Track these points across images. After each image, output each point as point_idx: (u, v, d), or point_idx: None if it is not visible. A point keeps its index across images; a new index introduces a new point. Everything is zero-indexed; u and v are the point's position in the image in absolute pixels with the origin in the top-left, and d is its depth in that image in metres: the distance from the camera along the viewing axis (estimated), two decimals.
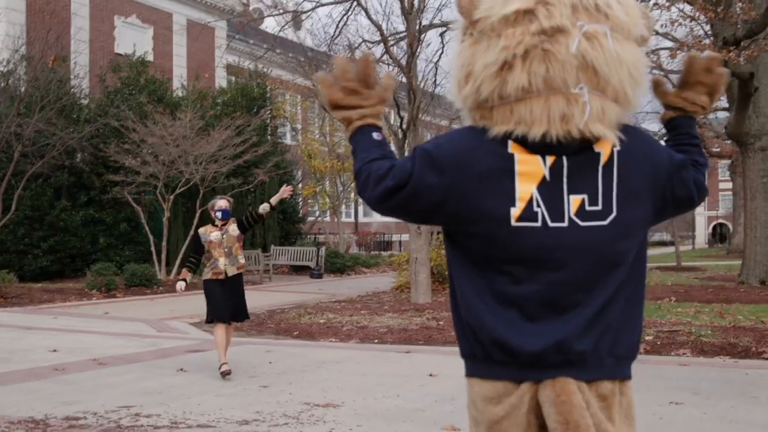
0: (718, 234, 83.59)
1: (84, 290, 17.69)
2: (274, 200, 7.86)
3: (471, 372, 2.01)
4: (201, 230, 7.92)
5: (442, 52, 17.78)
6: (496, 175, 1.85)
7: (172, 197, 21.53)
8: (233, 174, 23.19)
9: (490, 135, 1.87)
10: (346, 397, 6.39)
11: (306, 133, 35.76)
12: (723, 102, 42.68)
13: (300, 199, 33.86)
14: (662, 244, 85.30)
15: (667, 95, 2.20)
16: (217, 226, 7.80)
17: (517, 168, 1.85)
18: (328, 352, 9.12)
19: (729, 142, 44.81)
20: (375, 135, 2.09)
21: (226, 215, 7.76)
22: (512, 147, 1.86)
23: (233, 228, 7.77)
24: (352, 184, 36.67)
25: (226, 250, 7.64)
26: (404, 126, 14.50)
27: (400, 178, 1.94)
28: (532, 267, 1.85)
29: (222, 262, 7.62)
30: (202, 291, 7.84)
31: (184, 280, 7.91)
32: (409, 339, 10.15)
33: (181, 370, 7.82)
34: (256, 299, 16.66)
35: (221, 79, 32.63)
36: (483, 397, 1.94)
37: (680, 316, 12.15)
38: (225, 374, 7.30)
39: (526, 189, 1.84)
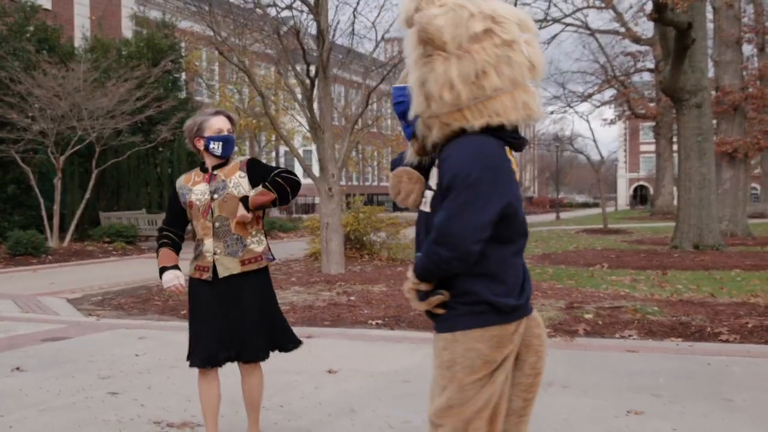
0: (639, 195, 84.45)
1: None
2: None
3: (482, 323, 2.52)
4: (181, 180, 4.21)
5: (358, 2, 16.20)
6: (510, 166, 2.53)
7: (64, 157, 19.52)
8: (134, 131, 21.29)
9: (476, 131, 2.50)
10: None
11: (223, 90, 33.68)
12: (649, 62, 42.37)
13: None
14: (586, 205, 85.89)
15: None
16: (206, 171, 4.13)
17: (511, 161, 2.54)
18: None
19: (653, 104, 44.60)
20: None
21: (229, 149, 4.07)
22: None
23: (237, 178, 4.05)
24: (269, 144, 35.02)
25: (216, 223, 4.00)
26: (312, 74, 12.91)
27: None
28: (524, 239, 2.61)
29: (209, 246, 4.02)
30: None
31: (175, 266, 4.09)
32: (314, 319, 8.72)
33: (17, 369, 6.22)
34: (150, 268, 15.05)
35: (127, 31, 30.31)
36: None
37: (616, 285, 11.10)
38: None
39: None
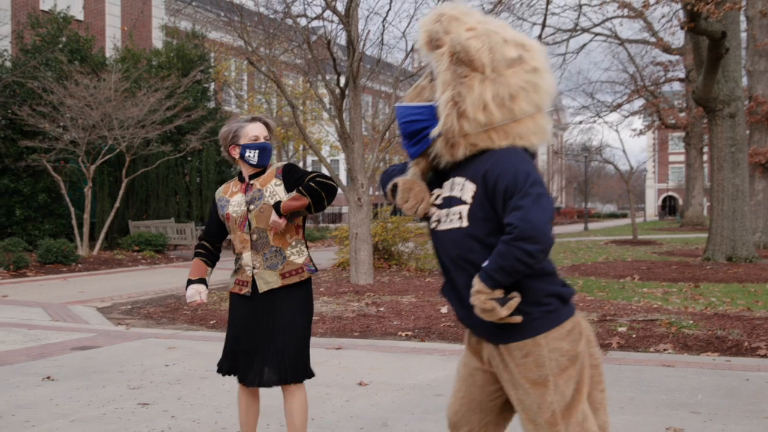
0: (668, 206, 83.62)
1: None
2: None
3: (557, 320, 2.66)
4: (220, 190, 4.06)
5: (389, 9, 16.18)
6: None
7: (95, 166, 19.67)
8: (164, 141, 21.41)
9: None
10: None
11: (251, 100, 33.82)
12: (679, 72, 41.97)
13: None
14: (614, 216, 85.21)
15: None
16: (244, 181, 3.96)
17: None
18: None
19: (683, 114, 44.15)
20: None
21: (265, 158, 3.87)
22: None
23: (273, 186, 3.84)
24: (297, 154, 35.11)
25: (254, 236, 3.83)
26: (342, 84, 12.89)
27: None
28: None
29: (247, 260, 3.85)
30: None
31: (200, 280, 3.99)
32: (343, 330, 8.66)
33: (48, 378, 6.22)
34: (178, 278, 15.09)
35: (158, 41, 30.56)
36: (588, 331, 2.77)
37: (648, 298, 10.92)
38: None
39: None
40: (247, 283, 3.83)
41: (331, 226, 36.14)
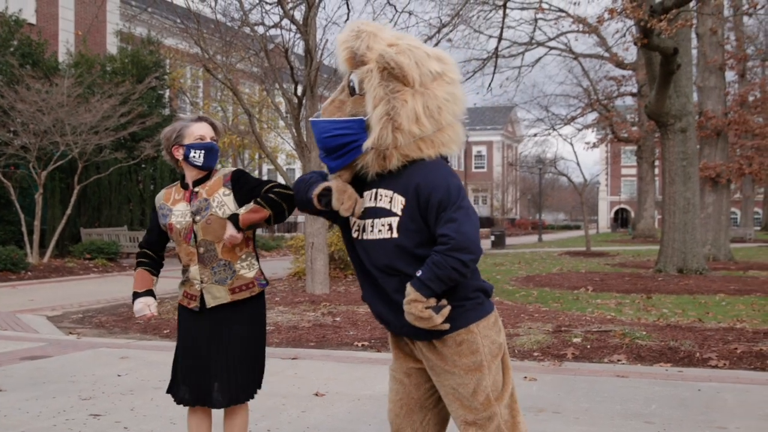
0: (620, 218, 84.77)
1: None
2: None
3: (484, 311, 2.87)
4: (160, 197, 3.74)
5: (347, 20, 16.16)
6: None
7: (46, 172, 19.31)
8: (117, 147, 21.11)
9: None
10: None
11: (207, 108, 33.53)
12: (632, 87, 42.66)
13: None
14: (567, 228, 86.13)
15: None
16: (187, 188, 3.67)
17: None
18: None
19: (635, 128, 44.86)
20: None
21: (212, 160, 3.61)
22: None
23: (221, 196, 3.58)
24: (253, 162, 34.87)
25: (201, 249, 3.56)
26: (299, 93, 12.84)
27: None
28: None
29: (194, 273, 3.59)
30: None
31: (147, 292, 3.70)
32: (299, 340, 8.61)
33: None
34: (131, 286, 14.76)
35: (112, 47, 30.16)
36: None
37: (602, 309, 11.05)
38: None
39: None
40: (195, 297, 3.58)
41: (287, 235, 35.96)
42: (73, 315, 11.09)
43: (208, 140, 3.59)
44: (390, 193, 2.80)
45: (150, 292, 3.68)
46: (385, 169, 2.81)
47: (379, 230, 2.81)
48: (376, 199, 2.85)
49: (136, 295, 3.67)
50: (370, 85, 2.77)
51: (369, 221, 2.85)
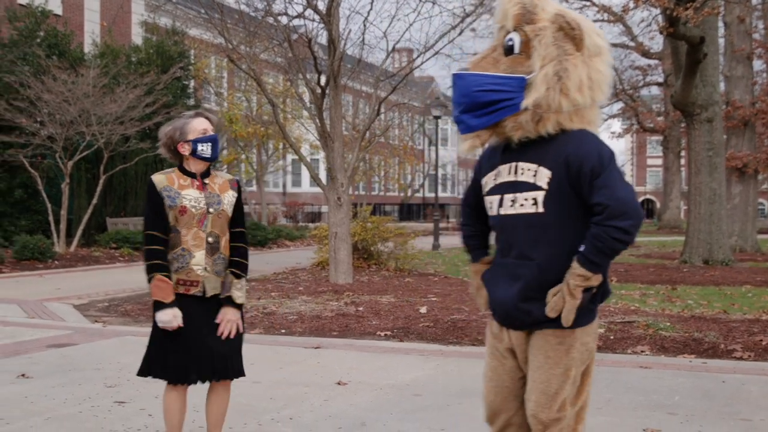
0: (646, 209, 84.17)
1: None
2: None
3: (592, 318, 2.83)
4: (162, 179, 3.79)
5: (371, 9, 16.14)
6: None
7: (72, 162, 19.49)
8: (142, 137, 21.24)
9: None
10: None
11: (231, 98, 33.64)
12: (658, 76, 42.25)
13: (224, 167, 31.82)
14: None
15: None
16: (194, 176, 3.83)
17: None
18: None
19: (661, 118, 44.46)
20: None
21: (216, 151, 3.84)
22: None
23: (230, 197, 3.86)
24: (277, 152, 34.99)
25: (210, 238, 3.77)
26: (322, 83, 12.85)
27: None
28: None
29: (199, 259, 3.75)
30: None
31: (173, 303, 3.70)
32: (322, 329, 8.64)
33: (23, 375, 6.15)
34: None
35: (137, 37, 30.34)
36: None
37: (626, 300, 10.99)
38: None
39: None
40: (196, 284, 3.75)
41: (311, 225, 36.05)
42: (99, 303, 11.20)
43: (210, 133, 3.81)
44: (534, 166, 2.73)
45: (175, 303, 3.71)
46: (536, 134, 2.72)
47: (521, 204, 2.74)
48: (516, 172, 2.77)
49: (162, 305, 3.69)
50: (543, 43, 2.70)
51: (510, 195, 2.77)
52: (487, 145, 2.94)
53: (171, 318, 3.68)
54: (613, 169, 2.67)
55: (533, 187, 2.71)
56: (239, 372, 3.92)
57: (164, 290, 3.69)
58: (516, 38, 2.74)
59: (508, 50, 2.76)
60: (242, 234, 3.90)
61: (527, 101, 2.68)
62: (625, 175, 2.69)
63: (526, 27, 2.73)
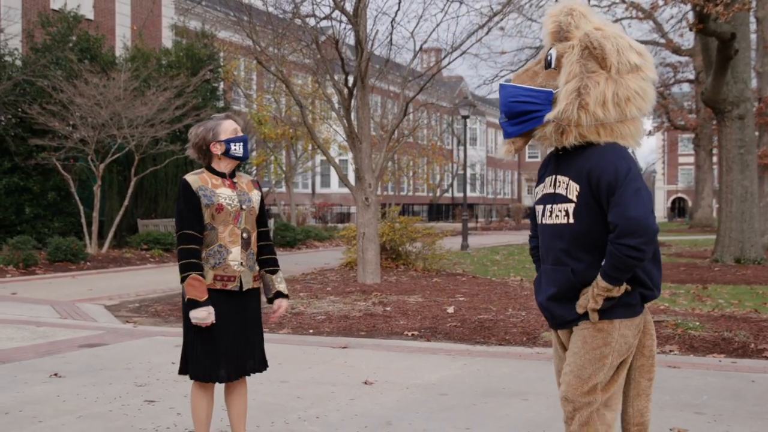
0: (677, 208, 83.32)
1: None
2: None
3: (634, 313, 2.93)
4: (196, 180, 3.89)
5: (398, 10, 16.18)
6: None
7: (104, 164, 19.73)
8: (173, 140, 21.45)
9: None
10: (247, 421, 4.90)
11: (260, 99, 33.84)
12: (689, 73, 41.81)
13: (253, 169, 32.00)
14: None
15: None
16: (224, 176, 3.97)
17: None
18: None
19: (692, 115, 44.00)
20: None
21: (247, 150, 4.00)
22: None
23: (257, 196, 4.05)
24: (306, 153, 35.15)
25: (245, 234, 3.94)
26: (350, 84, 12.90)
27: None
28: None
29: (236, 255, 3.89)
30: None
31: (208, 302, 3.80)
32: (350, 329, 8.69)
33: (55, 375, 6.26)
34: None
35: (167, 40, 30.62)
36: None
37: (656, 299, 10.86)
38: None
39: None
40: (234, 278, 3.91)
41: (339, 225, 36.16)
42: (130, 304, 11.34)
43: (241, 134, 4.00)
44: (566, 179, 2.93)
45: (209, 302, 3.82)
46: (561, 145, 2.92)
47: (556, 215, 2.95)
48: (555, 185, 2.98)
49: (197, 304, 3.79)
50: (568, 61, 2.90)
51: (549, 206, 3.00)
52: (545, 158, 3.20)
53: (206, 315, 3.79)
54: (629, 185, 2.77)
55: (566, 199, 2.92)
56: (265, 365, 4.12)
57: (198, 289, 3.80)
58: (554, 53, 2.97)
59: (548, 64, 2.98)
60: (267, 233, 4.14)
61: (549, 114, 2.88)
62: (640, 190, 2.78)
63: (558, 45, 2.96)
